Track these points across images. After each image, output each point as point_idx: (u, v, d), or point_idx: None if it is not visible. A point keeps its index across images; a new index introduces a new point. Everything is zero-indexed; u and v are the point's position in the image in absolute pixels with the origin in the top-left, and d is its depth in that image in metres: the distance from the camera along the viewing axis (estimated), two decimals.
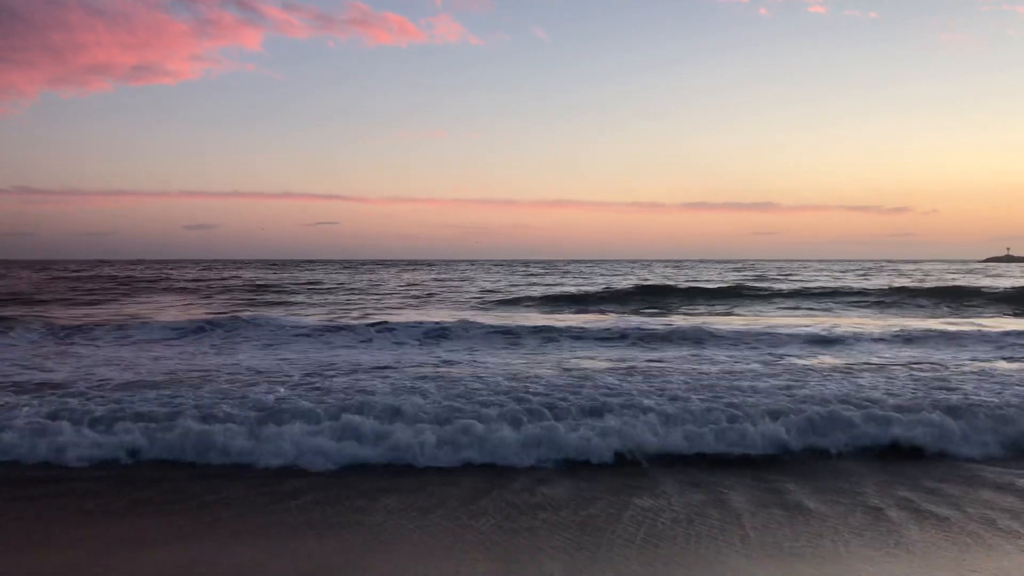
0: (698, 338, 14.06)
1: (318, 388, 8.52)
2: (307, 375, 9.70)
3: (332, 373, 9.93)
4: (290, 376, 9.62)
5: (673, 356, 11.96)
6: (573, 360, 11.57)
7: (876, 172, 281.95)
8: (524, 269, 71.99)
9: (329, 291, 32.73)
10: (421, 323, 15.80)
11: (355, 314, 20.32)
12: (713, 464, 6.22)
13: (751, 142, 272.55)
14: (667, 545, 4.40)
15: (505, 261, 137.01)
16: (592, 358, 11.86)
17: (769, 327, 15.93)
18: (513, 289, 34.23)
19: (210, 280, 42.93)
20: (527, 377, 9.35)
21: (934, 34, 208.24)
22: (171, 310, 21.83)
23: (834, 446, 6.59)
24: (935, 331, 15.00)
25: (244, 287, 35.32)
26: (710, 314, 21.24)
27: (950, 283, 34.51)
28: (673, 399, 7.56)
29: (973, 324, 17.35)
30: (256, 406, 7.31)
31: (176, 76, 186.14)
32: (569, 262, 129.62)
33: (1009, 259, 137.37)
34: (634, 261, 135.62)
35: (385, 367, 10.60)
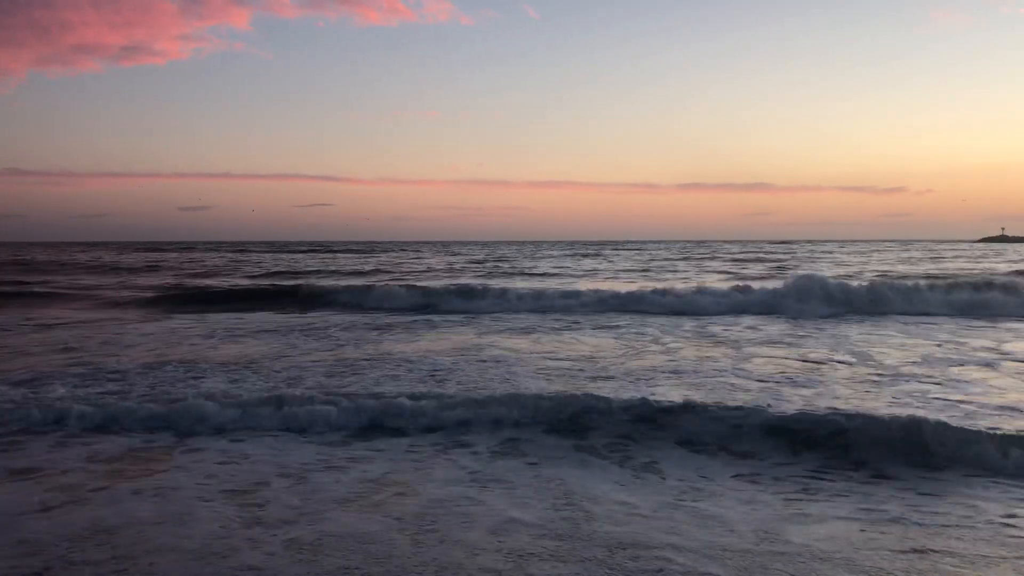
0: None
1: None
2: None
3: None
4: None
5: None
6: None
7: (870, 152, 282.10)
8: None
9: None
10: None
11: None
12: None
13: (745, 123, 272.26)
14: None
15: (491, 242, 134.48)
16: None
17: None
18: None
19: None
20: None
21: (927, 12, 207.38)
22: None
23: None
24: None
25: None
26: None
27: None
28: None
29: None
30: None
31: (165, 56, 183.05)
32: (557, 243, 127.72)
33: (1003, 239, 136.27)
34: (626, 242, 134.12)
35: None
